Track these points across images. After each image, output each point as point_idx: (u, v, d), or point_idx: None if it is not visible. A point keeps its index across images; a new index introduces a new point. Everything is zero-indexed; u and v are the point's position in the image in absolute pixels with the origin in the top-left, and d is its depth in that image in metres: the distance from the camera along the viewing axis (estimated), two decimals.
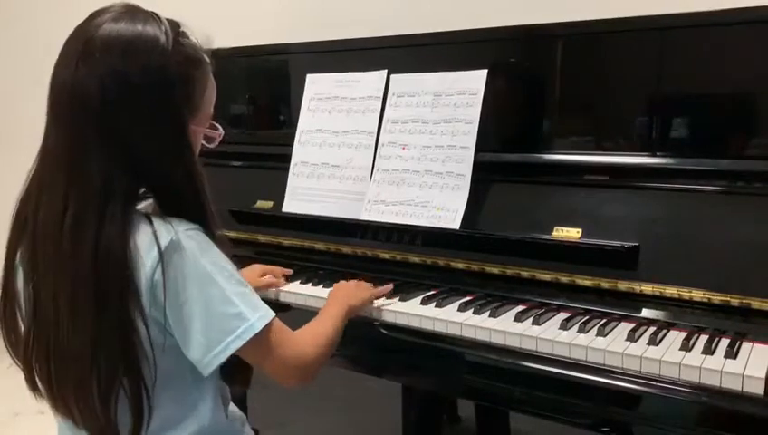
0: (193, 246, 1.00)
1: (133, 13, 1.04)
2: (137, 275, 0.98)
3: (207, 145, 1.14)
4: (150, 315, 1.00)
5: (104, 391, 0.99)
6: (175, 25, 1.06)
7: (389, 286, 1.48)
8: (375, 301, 1.45)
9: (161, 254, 0.98)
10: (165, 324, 1.01)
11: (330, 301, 1.35)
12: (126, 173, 1.00)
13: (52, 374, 1.04)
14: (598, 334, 1.24)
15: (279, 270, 1.62)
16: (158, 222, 1.01)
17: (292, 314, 1.48)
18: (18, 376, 1.12)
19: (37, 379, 1.07)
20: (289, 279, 1.61)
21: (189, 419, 1.08)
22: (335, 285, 1.47)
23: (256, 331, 1.03)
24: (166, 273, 0.98)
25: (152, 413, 1.03)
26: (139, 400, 1.01)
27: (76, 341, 0.99)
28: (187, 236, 1.01)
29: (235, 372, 1.15)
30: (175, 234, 0.99)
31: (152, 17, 1.04)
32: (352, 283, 1.46)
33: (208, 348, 1.01)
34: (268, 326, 1.05)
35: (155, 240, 0.98)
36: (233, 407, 1.23)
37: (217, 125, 1.15)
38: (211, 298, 1.01)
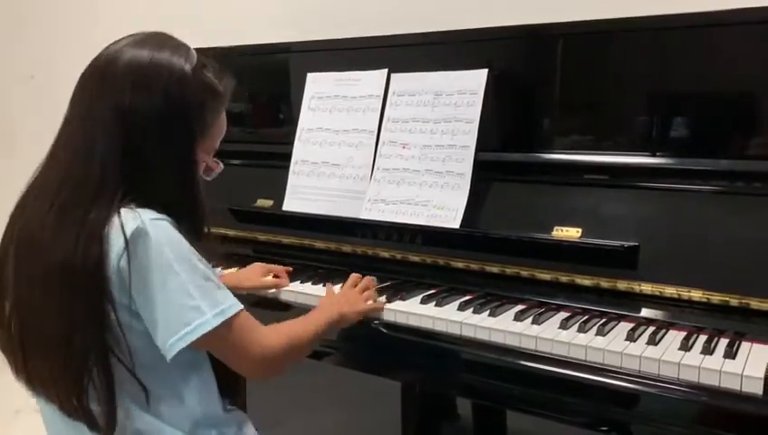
0: (158, 235, 1.02)
1: (161, 40, 1.10)
2: (106, 262, 1.01)
3: (205, 177, 1.18)
4: (119, 301, 1.02)
5: (76, 375, 1.02)
6: (201, 57, 1.12)
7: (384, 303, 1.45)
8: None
9: (127, 242, 1.00)
10: (132, 308, 1.03)
11: (321, 304, 1.35)
12: (123, 178, 1.04)
13: (28, 359, 1.07)
14: (597, 334, 1.25)
15: (280, 269, 1.62)
16: (125, 211, 1.03)
17: (291, 313, 1.47)
18: None
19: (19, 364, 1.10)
20: (289, 278, 1.61)
21: (180, 407, 1.10)
22: (339, 291, 1.44)
23: (211, 327, 1.04)
24: (131, 260, 1.01)
25: (149, 395, 1.06)
26: (109, 383, 1.03)
27: (50, 325, 1.03)
28: (154, 224, 1.02)
29: (227, 386, 1.18)
30: (141, 222, 1.02)
31: (181, 46, 1.11)
32: (355, 292, 1.42)
33: (167, 335, 1.03)
34: (228, 322, 1.06)
35: (121, 228, 1.01)
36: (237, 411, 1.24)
37: (218, 161, 1.20)
38: (170, 288, 1.02)
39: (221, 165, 1.21)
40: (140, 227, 1.01)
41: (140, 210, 1.03)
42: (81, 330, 1.01)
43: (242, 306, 1.09)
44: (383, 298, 1.45)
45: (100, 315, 1.01)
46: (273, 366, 1.15)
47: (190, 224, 1.08)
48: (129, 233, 1.00)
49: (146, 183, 1.06)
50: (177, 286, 1.02)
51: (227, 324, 1.06)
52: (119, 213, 1.02)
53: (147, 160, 1.05)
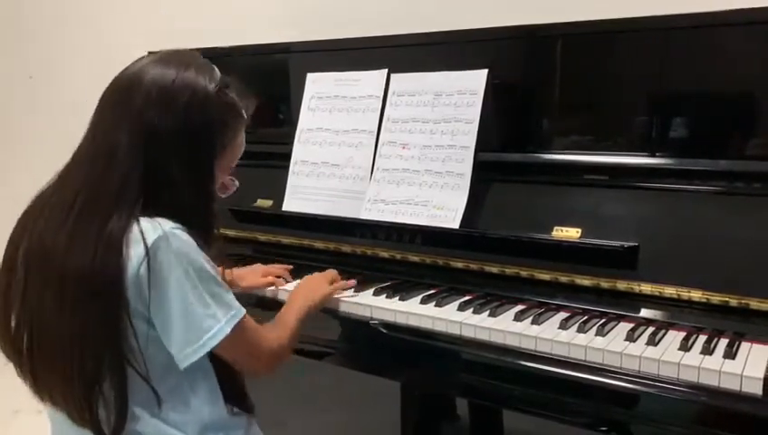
0: (179, 244, 1.04)
1: (185, 59, 1.12)
2: (125, 270, 1.02)
3: (220, 194, 1.20)
4: (135, 308, 1.03)
5: (88, 383, 1.03)
6: (225, 78, 1.14)
7: (353, 282, 1.51)
8: (374, 299, 1.45)
9: (147, 250, 1.02)
10: (148, 315, 1.05)
11: (292, 299, 1.38)
12: (144, 187, 1.06)
13: (36, 364, 1.08)
14: (597, 334, 1.25)
15: (280, 269, 1.62)
16: (144, 220, 1.04)
17: None
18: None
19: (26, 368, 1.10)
20: (291, 275, 1.61)
21: (188, 413, 1.11)
22: (300, 281, 1.49)
23: (227, 332, 1.08)
24: (151, 268, 1.02)
25: (161, 402, 1.08)
26: (123, 392, 1.04)
27: (64, 334, 1.03)
28: (173, 234, 1.04)
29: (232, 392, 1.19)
30: (162, 232, 1.03)
31: (206, 65, 1.12)
32: (316, 276, 1.48)
33: (186, 343, 1.06)
34: (238, 326, 1.10)
35: (141, 237, 1.02)
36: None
37: (234, 179, 1.23)
38: (189, 297, 1.05)
39: (236, 183, 1.24)
40: (162, 237, 1.03)
41: (159, 219, 1.05)
42: (95, 339, 1.02)
43: (244, 309, 1.13)
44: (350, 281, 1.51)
45: (115, 323, 1.02)
46: (278, 362, 1.21)
47: (201, 233, 1.10)
48: (150, 241, 1.02)
49: (165, 196, 1.07)
50: (196, 295, 1.05)
51: (239, 328, 1.10)
52: (137, 221, 1.03)
53: (168, 176, 1.07)
